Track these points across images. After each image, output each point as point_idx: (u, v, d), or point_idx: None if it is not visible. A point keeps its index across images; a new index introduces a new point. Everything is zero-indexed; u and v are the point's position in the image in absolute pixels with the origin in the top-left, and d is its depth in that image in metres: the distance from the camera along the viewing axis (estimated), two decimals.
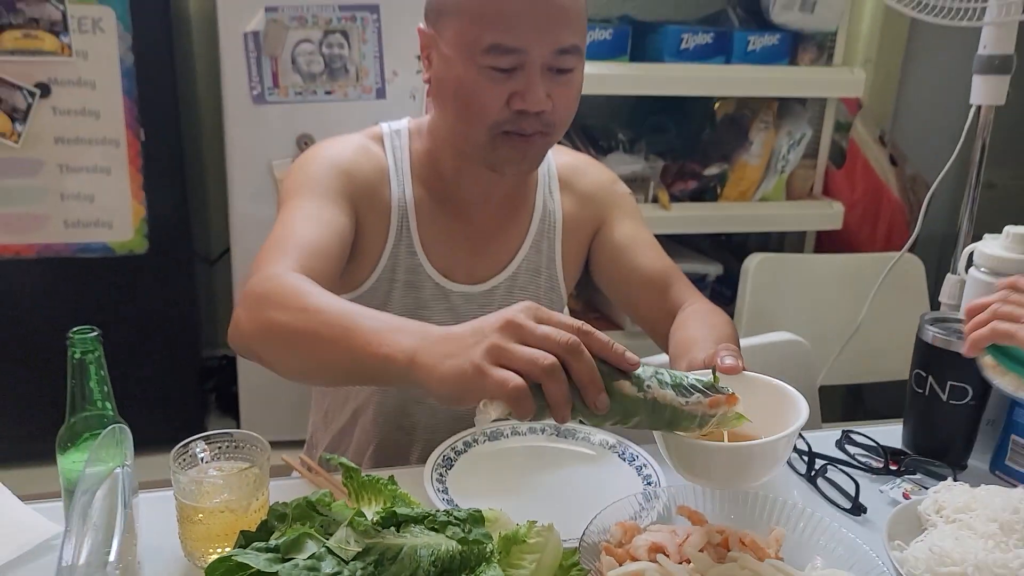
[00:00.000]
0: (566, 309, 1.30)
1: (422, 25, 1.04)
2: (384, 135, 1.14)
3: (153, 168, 1.89)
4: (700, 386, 0.75)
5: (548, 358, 0.66)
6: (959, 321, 1.11)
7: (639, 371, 0.72)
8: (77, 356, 0.84)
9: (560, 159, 1.23)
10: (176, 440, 0.87)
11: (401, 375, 0.74)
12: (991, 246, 1.16)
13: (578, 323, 0.70)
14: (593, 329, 0.70)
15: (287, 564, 0.71)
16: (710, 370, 0.82)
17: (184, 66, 2.20)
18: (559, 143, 1.19)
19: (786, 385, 0.86)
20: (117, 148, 1.84)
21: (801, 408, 0.82)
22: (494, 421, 0.70)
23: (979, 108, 1.58)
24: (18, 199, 1.84)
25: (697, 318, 1.10)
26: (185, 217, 1.98)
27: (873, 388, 2.18)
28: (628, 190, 1.26)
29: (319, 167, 1.08)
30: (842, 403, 2.54)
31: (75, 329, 0.84)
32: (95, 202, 1.86)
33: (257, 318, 0.88)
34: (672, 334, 1.10)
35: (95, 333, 0.84)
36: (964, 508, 0.86)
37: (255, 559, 0.72)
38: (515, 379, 0.66)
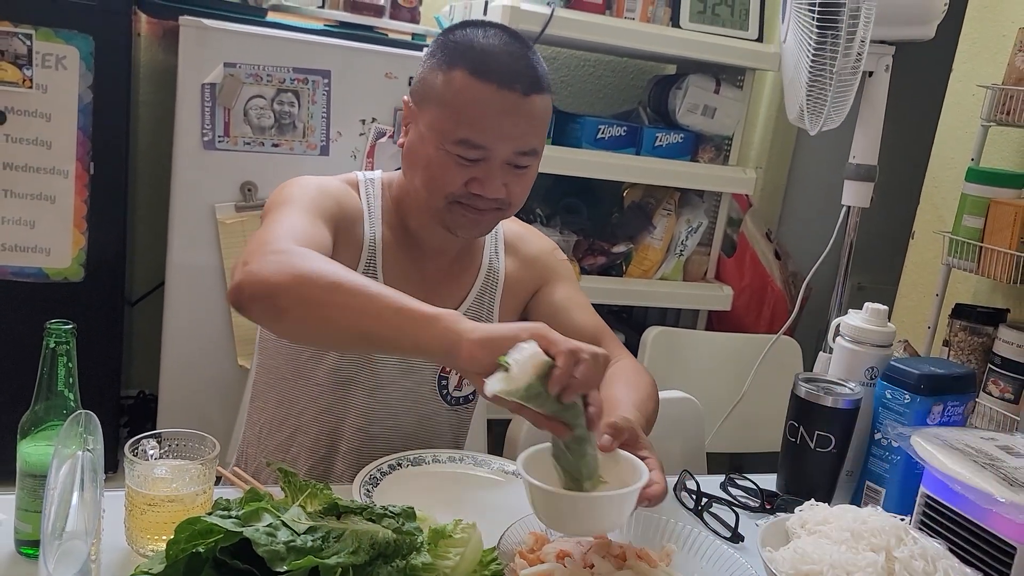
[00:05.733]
0: None
1: (407, 98, 1.17)
2: (360, 182, 1.24)
3: (98, 201, 1.94)
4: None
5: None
6: (827, 381, 1.31)
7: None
8: (51, 345, 0.89)
9: (508, 226, 1.35)
10: None
11: (426, 329, 0.86)
12: (854, 319, 1.37)
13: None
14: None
15: (249, 528, 0.78)
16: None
17: (140, 107, 2.27)
18: None
19: (638, 460, 0.96)
20: (65, 179, 1.89)
21: (643, 474, 0.92)
22: (499, 395, 0.82)
23: (848, 209, 1.84)
24: None
25: (622, 377, 1.20)
26: (123, 251, 2.02)
27: (753, 458, 2.36)
28: (566, 257, 1.39)
29: (311, 188, 1.15)
30: (728, 470, 2.71)
31: (52, 321, 0.89)
32: (36, 228, 1.90)
33: (287, 269, 0.91)
34: (601, 388, 1.23)
35: (70, 326, 0.89)
36: (823, 522, 1.00)
37: (222, 522, 0.78)
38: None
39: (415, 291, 1.21)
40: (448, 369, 1.29)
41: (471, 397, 1.34)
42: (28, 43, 1.81)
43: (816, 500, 1.08)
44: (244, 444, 1.36)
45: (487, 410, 1.58)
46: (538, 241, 1.37)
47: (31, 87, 1.84)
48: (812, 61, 1.63)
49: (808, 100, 1.68)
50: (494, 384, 0.82)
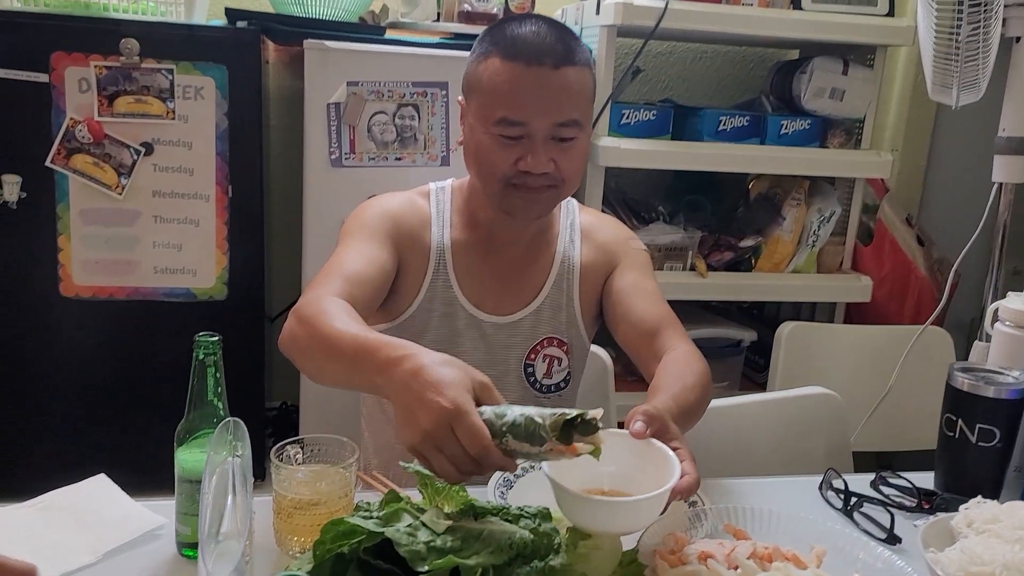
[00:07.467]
0: (590, 347, 1.43)
1: (460, 97, 1.25)
2: (431, 191, 1.34)
3: (237, 222, 2.04)
4: (547, 436, 0.83)
5: (454, 475, 0.84)
6: (986, 370, 1.22)
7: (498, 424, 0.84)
8: (200, 357, 0.93)
9: (585, 216, 1.40)
10: None
11: (376, 380, 0.92)
12: (1015, 301, 1.28)
13: (484, 443, 0.82)
14: (488, 452, 0.83)
15: (390, 528, 0.80)
16: (567, 411, 0.85)
17: (271, 131, 2.38)
18: (589, 207, 1.40)
19: (672, 453, 0.93)
20: (207, 203, 2.00)
21: (674, 470, 0.90)
22: None
23: (1000, 186, 1.72)
24: (116, 246, 1.99)
25: (671, 365, 1.19)
26: (261, 269, 2.11)
27: (903, 456, 2.23)
28: (643, 247, 1.40)
29: (372, 214, 1.27)
30: (876, 469, 2.57)
31: (200, 334, 0.94)
32: (183, 251, 2.01)
33: (292, 330, 1.08)
34: (654, 376, 1.21)
35: (216, 338, 0.94)
36: (992, 520, 0.94)
37: (364, 523, 0.81)
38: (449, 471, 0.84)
39: (490, 285, 1.31)
40: (533, 357, 1.33)
41: (562, 385, 1.36)
42: (170, 77, 1.93)
43: (982, 498, 1.01)
44: (362, 450, 1.42)
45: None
46: (613, 228, 1.41)
47: (174, 118, 1.96)
48: (937, 28, 1.54)
49: (941, 71, 1.58)
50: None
